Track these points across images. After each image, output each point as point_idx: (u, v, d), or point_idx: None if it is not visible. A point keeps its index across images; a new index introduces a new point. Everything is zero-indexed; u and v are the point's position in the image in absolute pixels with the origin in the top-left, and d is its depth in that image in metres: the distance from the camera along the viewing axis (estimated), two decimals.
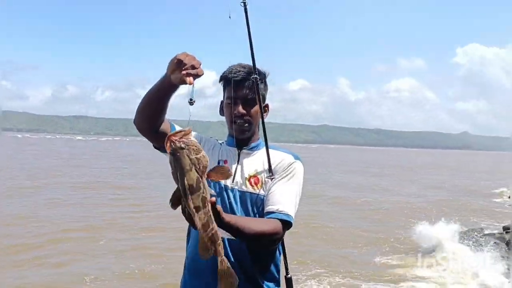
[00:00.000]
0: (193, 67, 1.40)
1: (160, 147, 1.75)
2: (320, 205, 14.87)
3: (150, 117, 1.64)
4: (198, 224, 1.32)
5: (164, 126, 1.70)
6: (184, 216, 1.34)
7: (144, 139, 1.75)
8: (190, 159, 1.27)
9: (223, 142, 1.93)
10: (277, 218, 1.67)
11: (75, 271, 7.22)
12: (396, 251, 9.18)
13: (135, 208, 12.94)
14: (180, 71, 1.41)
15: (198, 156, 1.29)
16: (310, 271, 7.49)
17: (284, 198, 1.72)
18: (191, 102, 1.40)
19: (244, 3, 1.85)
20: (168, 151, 1.30)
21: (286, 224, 1.69)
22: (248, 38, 1.84)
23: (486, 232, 10.54)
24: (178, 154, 1.27)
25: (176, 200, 1.33)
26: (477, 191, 21.75)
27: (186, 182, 1.28)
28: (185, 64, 1.40)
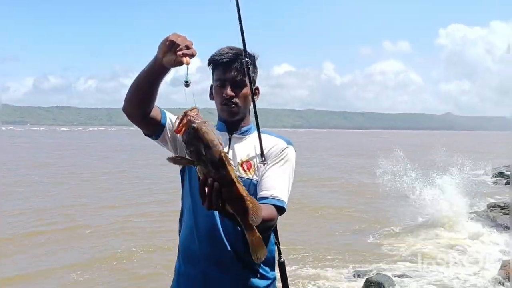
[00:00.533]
0: (187, 47, 1.37)
1: (151, 134, 1.72)
2: (309, 187, 14.96)
3: (141, 103, 1.59)
4: (243, 192, 1.32)
5: (154, 112, 1.66)
6: (203, 188, 1.30)
7: (132, 128, 1.70)
8: (214, 133, 1.28)
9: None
10: (271, 204, 1.65)
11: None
12: (387, 231, 9.28)
13: None
14: (173, 53, 1.37)
15: (215, 130, 1.31)
16: (299, 253, 7.53)
17: (277, 183, 1.69)
18: (187, 84, 1.36)
19: None
20: (185, 127, 1.27)
21: (280, 210, 1.67)
22: (238, 18, 1.80)
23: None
24: (204, 128, 1.26)
25: (180, 161, 1.36)
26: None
27: (221, 154, 1.27)
28: (178, 45, 1.36)
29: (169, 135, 1.74)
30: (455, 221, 9.06)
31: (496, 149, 31.22)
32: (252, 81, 1.81)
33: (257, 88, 1.88)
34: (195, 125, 1.25)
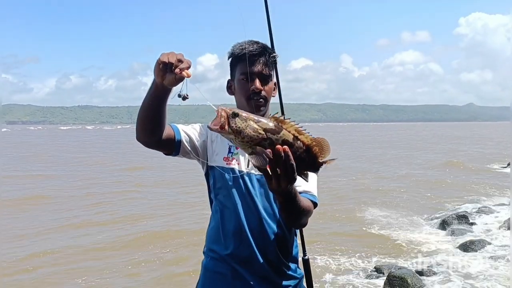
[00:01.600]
0: (180, 61, 1.35)
1: (170, 152, 1.72)
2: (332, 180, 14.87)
3: (153, 129, 1.59)
4: (308, 139, 1.31)
5: (167, 132, 1.65)
6: (274, 167, 1.27)
7: None
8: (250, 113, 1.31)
9: None
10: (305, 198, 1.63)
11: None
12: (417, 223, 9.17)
13: None
14: (170, 72, 1.36)
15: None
16: (321, 249, 7.50)
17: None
18: (185, 97, 1.37)
19: None
20: (226, 119, 1.25)
21: (314, 205, 1.67)
22: (266, 14, 1.79)
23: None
24: (241, 112, 1.28)
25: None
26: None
27: (270, 120, 1.29)
28: (172, 63, 1.35)
29: (188, 146, 1.74)
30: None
31: None
32: (273, 77, 1.81)
33: (275, 84, 1.87)
34: (236, 111, 1.26)
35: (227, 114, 1.25)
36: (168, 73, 1.36)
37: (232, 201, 1.73)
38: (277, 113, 1.32)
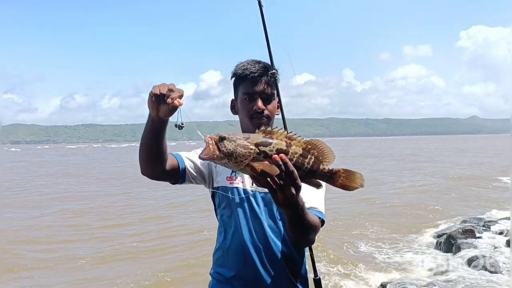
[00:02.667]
0: (172, 91, 1.36)
1: (176, 181, 1.72)
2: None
3: (156, 162, 1.59)
4: (303, 144, 1.32)
5: (171, 162, 1.66)
6: (274, 180, 1.26)
7: None
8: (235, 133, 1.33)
9: None
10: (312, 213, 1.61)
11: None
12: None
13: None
14: (164, 103, 1.37)
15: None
16: (333, 268, 7.41)
17: (314, 195, 1.65)
18: (181, 126, 1.38)
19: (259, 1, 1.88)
20: (214, 145, 1.26)
21: (321, 222, 1.65)
22: (264, 34, 1.84)
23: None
24: (226, 134, 1.29)
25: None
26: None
27: (258, 133, 1.31)
28: (164, 94, 1.36)
29: (193, 172, 1.74)
30: None
31: None
32: (276, 95, 1.82)
33: (278, 101, 1.87)
34: (223, 135, 1.26)
35: (214, 141, 1.25)
36: (162, 104, 1.37)
37: (236, 221, 1.72)
38: (274, 127, 1.32)
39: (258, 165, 1.24)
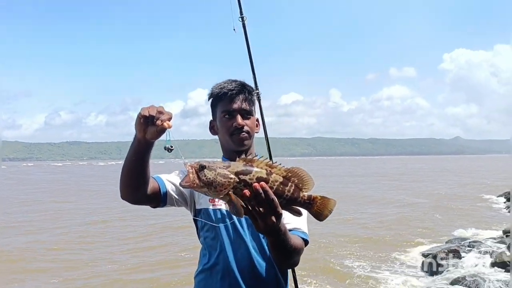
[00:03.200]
0: (161, 113, 1.35)
1: (157, 205, 1.69)
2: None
3: (138, 185, 1.56)
4: (283, 172, 1.31)
5: (152, 185, 1.62)
6: (254, 207, 1.27)
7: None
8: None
9: None
10: (295, 235, 1.61)
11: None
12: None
13: None
14: (152, 125, 1.36)
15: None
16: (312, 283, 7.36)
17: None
18: (170, 149, 1.38)
19: (242, 18, 1.88)
20: (195, 174, 1.26)
21: (304, 242, 1.64)
22: (247, 52, 1.85)
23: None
24: (206, 163, 1.29)
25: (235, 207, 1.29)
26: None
27: (238, 161, 1.30)
28: (153, 116, 1.35)
29: (175, 195, 1.71)
30: None
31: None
32: (254, 112, 1.84)
33: (257, 119, 1.89)
34: (203, 163, 1.26)
35: (195, 169, 1.25)
36: (150, 126, 1.36)
37: (221, 243, 1.70)
38: (257, 155, 1.33)
39: (235, 199, 1.25)
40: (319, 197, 1.34)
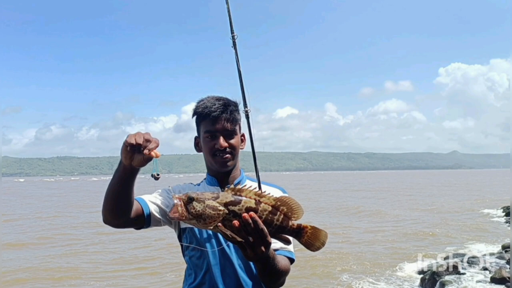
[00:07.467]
0: (148, 141, 1.33)
1: (141, 226, 1.66)
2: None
3: (122, 210, 1.53)
4: (272, 201, 1.32)
5: (135, 207, 1.60)
6: (245, 237, 1.28)
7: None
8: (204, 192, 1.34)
9: (201, 183, 1.86)
10: (282, 255, 1.63)
11: None
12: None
13: None
14: (139, 153, 1.34)
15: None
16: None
17: None
18: (157, 177, 1.38)
19: (233, 36, 1.88)
20: (183, 206, 1.27)
21: (290, 261, 1.67)
22: (237, 70, 1.86)
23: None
24: (195, 194, 1.31)
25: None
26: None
27: (226, 192, 1.32)
28: (140, 144, 1.32)
29: (158, 216, 1.68)
30: None
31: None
32: (239, 128, 1.81)
33: (243, 135, 1.87)
34: (191, 195, 1.26)
35: (183, 202, 1.25)
36: (137, 153, 1.34)
37: (207, 262, 1.67)
38: (243, 184, 1.33)
39: (225, 231, 1.26)
40: (310, 227, 1.34)
